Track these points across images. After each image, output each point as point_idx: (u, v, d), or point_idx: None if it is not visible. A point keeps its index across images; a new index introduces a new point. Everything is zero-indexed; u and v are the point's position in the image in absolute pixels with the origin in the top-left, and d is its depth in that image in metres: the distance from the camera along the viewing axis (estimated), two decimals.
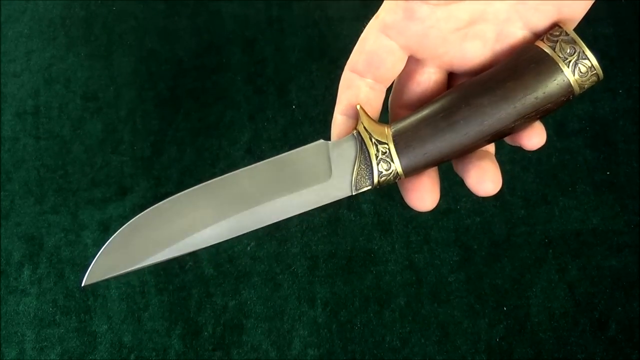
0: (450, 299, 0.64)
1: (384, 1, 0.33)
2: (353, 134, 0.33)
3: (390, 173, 0.32)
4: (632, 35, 0.73)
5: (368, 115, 0.33)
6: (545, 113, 0.32)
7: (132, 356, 0.64)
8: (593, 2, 0.32)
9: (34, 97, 0.76)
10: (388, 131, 0.32)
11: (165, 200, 0.33)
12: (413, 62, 0.34)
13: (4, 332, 0.65)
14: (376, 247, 0.66)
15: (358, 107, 0.33)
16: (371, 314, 0.64)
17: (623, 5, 0.74)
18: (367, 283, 0.65)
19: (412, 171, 0.33)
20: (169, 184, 0.70)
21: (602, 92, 0.70)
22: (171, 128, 0.73)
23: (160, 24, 0.79)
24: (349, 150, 0.33)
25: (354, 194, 0.33)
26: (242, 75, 0.75)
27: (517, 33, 0.33)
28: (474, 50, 0.33)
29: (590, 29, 0.73)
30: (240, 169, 0.34)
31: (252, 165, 0.34)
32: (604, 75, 0.31)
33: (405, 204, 0.34)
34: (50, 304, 0.66)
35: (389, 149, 0.32)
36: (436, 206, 0.33)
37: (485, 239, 0.66)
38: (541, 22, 0.32)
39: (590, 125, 0.70)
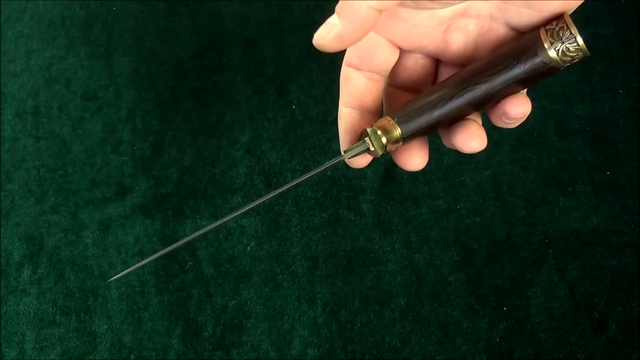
0: (450, 299, 0.64)
1: None
2: (365, 142, 0.34)
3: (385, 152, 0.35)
4: (632, 35, 0.73)
5: (385, 131, 0.33)
6: (529, 85, 0.33)
7: (132, 356, 0.64)
8: (580, 3, 0.32)
9: (34, 97, 0.76)
10: (400, 138, 0.34)
11: None
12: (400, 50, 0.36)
13: (4, 332, 0.65)
14: (376, 247, 0.66)
15: (375, 128, 0.34)
16: (371, 314, 0.64)
17: (623, 5, 0.74)
18: (367, 283, 0.65)
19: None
20: (169, 184, 0.70)
21: (602, 92, 0.70)
22: (171, 128, 0.73)
23: (160, 24, 0.79)
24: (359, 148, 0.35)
25: (345, 159, 0.35)
26: (242, 75, 0.75)
27: (499, 29, 0.34)
28: (457, 41, 0.34)
29: (590, 29, 0.72)
30: None
31: None
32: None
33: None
34: (50, 304, 0.66)
35: (395, 149, 0.34)
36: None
37: (485, 239, 0.66)
38: (522, 23, 0.33)
39: (590, 125, 0.70)
